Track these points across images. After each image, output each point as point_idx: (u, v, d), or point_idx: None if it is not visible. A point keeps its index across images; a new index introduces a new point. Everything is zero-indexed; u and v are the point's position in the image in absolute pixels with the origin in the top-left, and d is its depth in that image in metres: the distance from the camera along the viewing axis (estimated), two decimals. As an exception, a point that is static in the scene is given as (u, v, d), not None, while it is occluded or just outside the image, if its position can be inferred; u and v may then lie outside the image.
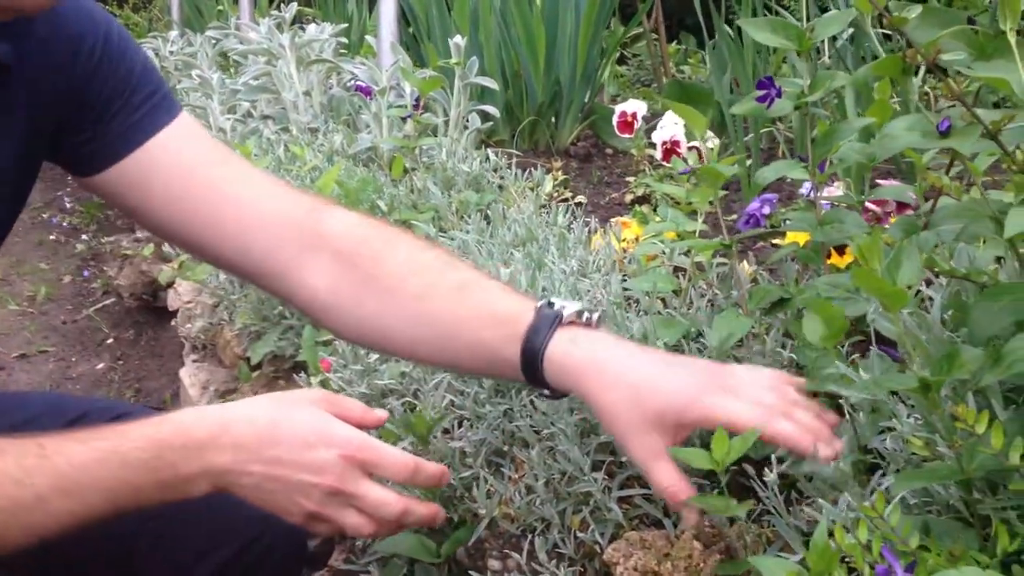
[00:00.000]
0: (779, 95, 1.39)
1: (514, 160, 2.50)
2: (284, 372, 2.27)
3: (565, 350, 1.11)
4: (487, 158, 2.44)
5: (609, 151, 3.34)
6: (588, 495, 1.35)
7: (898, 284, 0.92)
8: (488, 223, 2.06)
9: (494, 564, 1.48)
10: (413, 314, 1.19)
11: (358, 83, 2.99)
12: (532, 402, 1.47)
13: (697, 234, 1.57)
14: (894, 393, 1.10)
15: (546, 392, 1.15)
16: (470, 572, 1.42)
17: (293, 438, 1.04)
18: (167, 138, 1.23)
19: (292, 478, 1.05)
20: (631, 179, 2.77)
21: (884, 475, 1.09)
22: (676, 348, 1.44)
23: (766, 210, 1.80)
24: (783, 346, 1.35)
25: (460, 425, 1.56)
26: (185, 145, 1.24)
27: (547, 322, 1.12)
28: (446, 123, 2.72)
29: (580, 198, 2.69)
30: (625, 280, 1.60)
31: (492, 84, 2.72)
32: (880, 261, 0.93)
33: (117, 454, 0.98)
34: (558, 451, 1.40)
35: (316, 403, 1.09)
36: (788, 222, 1.67)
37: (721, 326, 1.36)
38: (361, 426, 1.12)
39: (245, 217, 1.22)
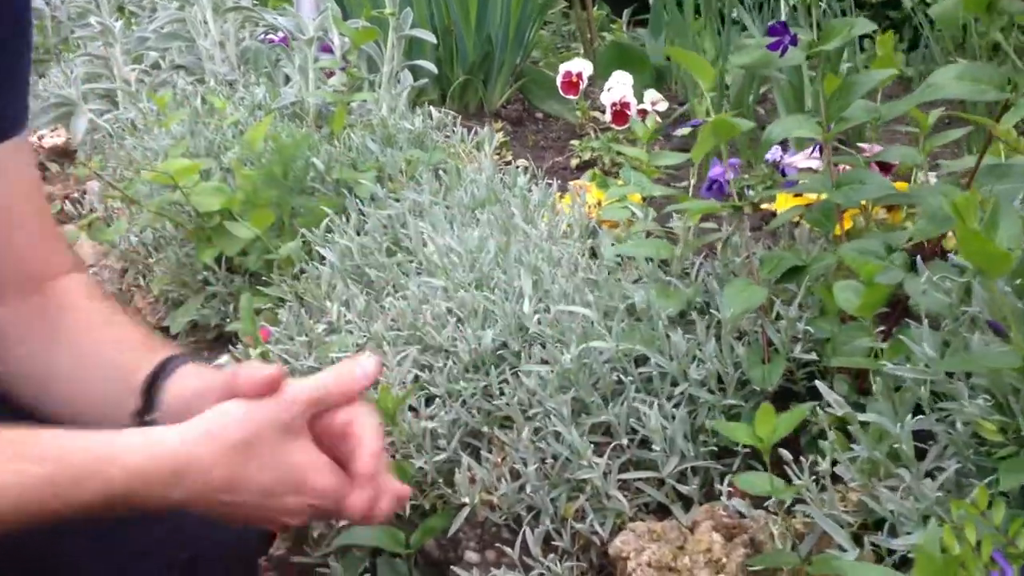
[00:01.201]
0: (794, 43, 1.27)
1: (458, 119, 2.33)
2: (208, 343, 2.07)
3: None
4: (430, 115, 2.27)
5: (540, 115, 3.21)
6: (584, 481, 1.22)
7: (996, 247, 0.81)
8: (440, 184, 1.89)
9: (471, 556, 1.34)
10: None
11: (270, 36, 2.79)
12: (517, 376, 1.33)
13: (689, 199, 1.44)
14: (950, 374, 0.99)
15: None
16: (452, 568, 1.27)
17: (255, 489, 0.89)
18: None
19: (254, 515, 0.91)
20: (575, 142, 2.63)
21: (941, 458, 0.99)
22: (679, 320, 1.31)
23: (730, 175, 1.70)
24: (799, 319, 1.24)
25: (429, 403, 1.40)
26: None
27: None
28: (371, 82, 2.54)
29: (521, 161, 2.55)
30: (614, 245, 1.46)
31: (430, 36, 2.54)
32: (976, 220, 0.81)
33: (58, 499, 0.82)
34: (549, 432, 1.26)
35: (289, 431, 0.92)
36: (791, 184, 1.56)
37: (733, 296, 1.23)
38: (354, 394, 0.96)
39: None
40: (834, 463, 1.04)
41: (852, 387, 1.20)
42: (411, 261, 1.69)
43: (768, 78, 2.38)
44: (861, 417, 1.01)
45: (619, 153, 2.48)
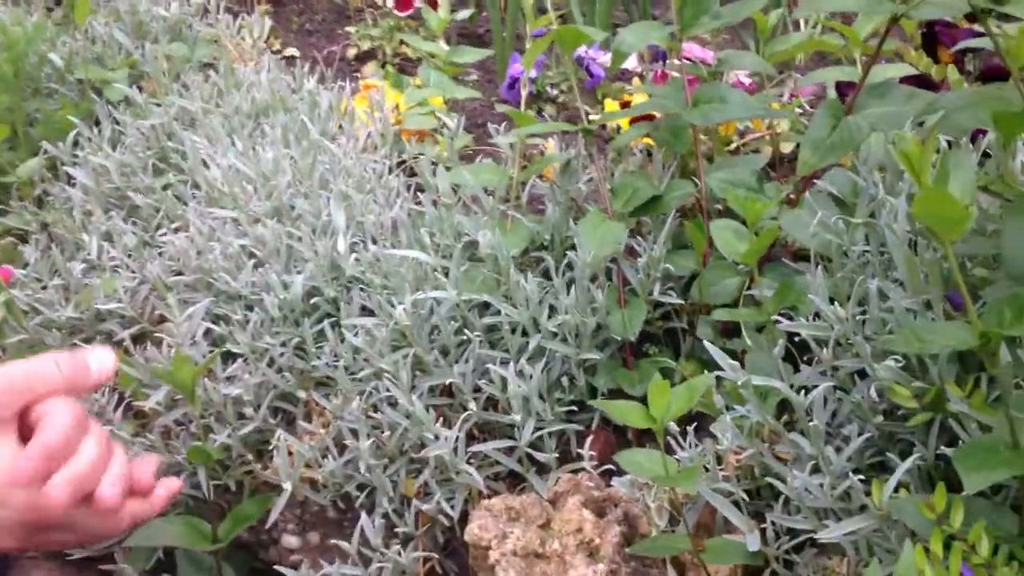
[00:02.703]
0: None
1: (222, 3, 2.01)
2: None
3: None
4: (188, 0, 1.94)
5: (301, -8, 2.89)
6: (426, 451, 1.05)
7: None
8: (213, 87, 1.61)
9: (290, 540, 1.16)
10: None
11: None
12: (337, 328, 1.13)
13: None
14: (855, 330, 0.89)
15: None
16: (277, 569, 1.08)
17: None
18: None
19: None
20: (350, 29, 2.37)
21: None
22: (524, 260, 1.15)
23: (533, 73, 1.54)
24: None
25: (230, 361, 1.18)
26: None
27: None
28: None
29: (291, 50, 2.27)
30: (436, 166, 1.26)
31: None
32: (928, 173, 0.69)
33: None
34: (381, 399, 1.08)
35: None
36: (594, 82, 1.41)
37: (590, 233, 1.08)
38: (79, 389, 0.77)
39: None
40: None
41: (715, 329, 1.09)
42: (186, 183, 1.43)
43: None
44: (756, 381, 0.89)
45: (403, 43, 2.25)
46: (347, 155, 1.38)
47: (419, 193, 1.30)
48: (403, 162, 1.52)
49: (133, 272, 1.32)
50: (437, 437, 1.03)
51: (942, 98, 0.83)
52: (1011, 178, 0.83)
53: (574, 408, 1.09)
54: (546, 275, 1.14)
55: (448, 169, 1.26)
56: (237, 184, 1.31)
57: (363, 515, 1.04)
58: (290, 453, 1.10)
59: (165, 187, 1.43)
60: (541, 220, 1.16)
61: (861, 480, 0.83)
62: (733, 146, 1.41)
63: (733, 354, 1.02)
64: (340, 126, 1.54)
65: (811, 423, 0.85)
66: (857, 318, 0.88)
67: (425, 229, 1.15)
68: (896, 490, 0.80)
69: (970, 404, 0.76)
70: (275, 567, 1.07)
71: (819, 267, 0.93)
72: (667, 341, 1.17)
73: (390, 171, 1.41)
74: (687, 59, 1.35)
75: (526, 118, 1.20)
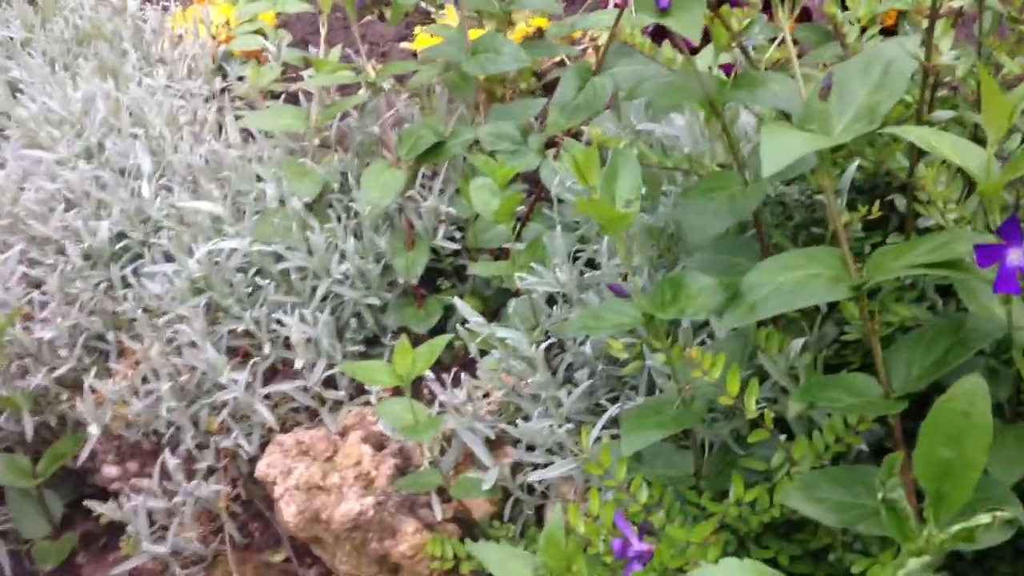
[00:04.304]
0: None
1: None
2: None
3: None
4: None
5: None
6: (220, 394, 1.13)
7: (617, 198, 0.77)
8: (37, 11, 1.61)
9: (110, 471, 1.24)
10: None
11: None
12: (137, 275, 1.19)
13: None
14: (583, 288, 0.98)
15: None
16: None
17: None
18: None
19: None
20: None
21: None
22: (319, 205, 1.21)
23: None
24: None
25: (42, 307, 1.24)
26: None
27: None
28: None
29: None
30: (240, 119, 1.30)
31: None
32: (597, 176, 0.77)
33: None
34: (183, 343, 1.16)
35: None
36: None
37: (371, 182, 1.14)
38: None
39: None
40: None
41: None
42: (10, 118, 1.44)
43: None
44: (499, 333, 0.98)
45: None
46: (164, 86, 1.41)
47: (237, 120, 1.33)
48: (227, 88, 1.55)
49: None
50: (231, 382, 1.11)
51: (646, 81, 0.89)
52: (699, 159, 0.91)
53: (363, 348, 1.18)
54: (340, 221, 1.21)
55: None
56: (57, 127, 1.34)
57: (165, 452, 1.13)
58: (99, 404, 1.17)
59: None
60: (329, 165, 1.22)
61: (580, 422, 0.93)
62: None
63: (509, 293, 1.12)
64: (164, 46, 1.55)
65: (540, 373, 0.95)
66: (586, 276, 0.97)
67: (223, 174, 1.20)
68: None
69: (659, 359, 0.85)
70: (85, 502, 1.16)
71: (559, 231, 1.00)
72: (460, 275, 1.25)
73: (207, 100, 1.44)
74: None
75: (324, 63, 1.24)
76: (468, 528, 1.04)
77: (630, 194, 0.77)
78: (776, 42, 0.86)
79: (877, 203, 0.87)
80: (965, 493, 0.61)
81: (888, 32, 1.54)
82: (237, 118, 1.30)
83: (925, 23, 0.77)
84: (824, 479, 0.75)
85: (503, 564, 0.73)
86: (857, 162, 0.88)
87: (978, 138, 0.89)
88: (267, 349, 1.16)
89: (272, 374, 1.19)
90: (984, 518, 0.58)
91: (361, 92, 1.28)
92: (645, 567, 0.73)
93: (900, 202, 0.86)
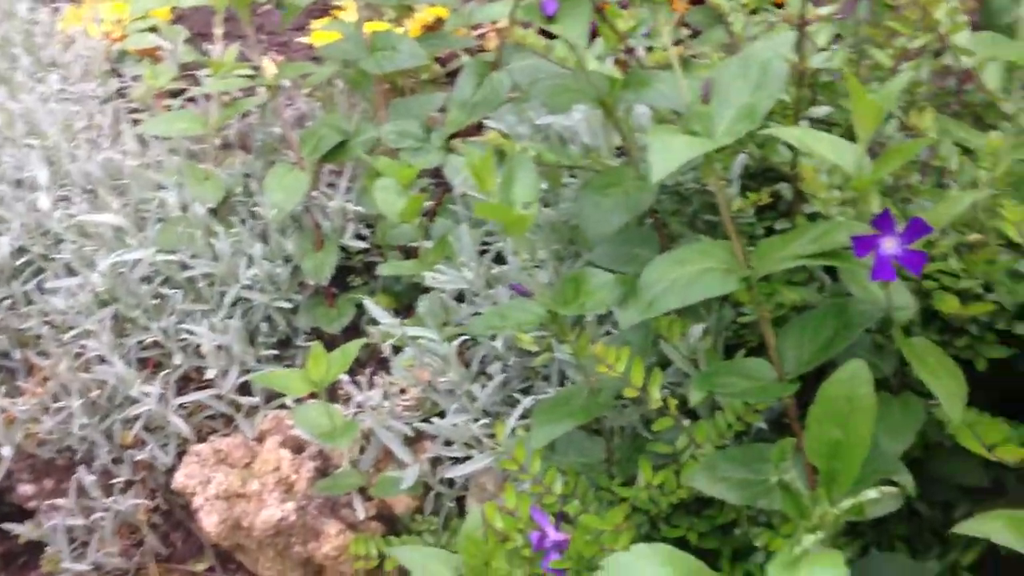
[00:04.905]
0: None
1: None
2: None
3: None
4: None
5: None
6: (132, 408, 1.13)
7: (515, 201, 0.79)
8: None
9: (25, 489, 1.23)
10: None
11: None
12: (40, 290, 1.18)
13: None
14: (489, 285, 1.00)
15: None
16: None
17: None
18: None
19: None
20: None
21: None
22: (222, 212, 1.20)
23: None
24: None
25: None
26: None
27: None
28: None
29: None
30: (137, 124, 1.29)
31: None
32: (495, 181, 0.79)
33: None
34: (92, 357, 1.15)
35: None
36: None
37: (275, 186, 1.15)
38: None
39: None
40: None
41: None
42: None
43: None
44: (411, 332, 1.00)
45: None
46: (58, 91, 1.38)
47: (136, 125, 1.31)
48: (123, 89, 1.53)
49: None
50: (143, 395, 1.11)
51: (540, 81, 0.91)
52: (596, 154, 0.93)
53: (276, 351, 1.18)
54: (246, 224, 1.21)
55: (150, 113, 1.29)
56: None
57: (80, 468, 1.13)
58: (10, 423, 1.16)
59: None
60: (231, 170, 1.21)
61: (497, 414, 0.96)
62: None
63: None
64: (57, 46, 1.52)
65: (454, 369, 0.97)
66: (494, 271, 0.99)
67: (123, 181, 1.19)
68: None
69: (567, 351, 0.88)
70: (3, 523, 1.15)
71: (466, 227, 1.02)
72: (370, 273, 1.26)
73: (103, 103, 1.42)
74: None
75: (221, 65, 1.23)
76: (391, 524, 1.06)
77: (528, 197, 0.79)
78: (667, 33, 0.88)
79: (767, 190, 0.91)
80: (854, 470, 0.65)
81: (779, 5, 1.59)
82: (136, 122, 1.28)
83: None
84: (725, 459, 0.79)
85: (423, 565, 0.75)
86: (744, 154, 0.91)
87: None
88: (178, 359, 1.15)
89: (185, 383, 1.19)
90: (871, 493, 0.62)
91: (260, 91, 1.28)
92: (562, 556, 0.76)
93: (788, 191, 0.90)
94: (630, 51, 0.88)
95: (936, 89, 1.04)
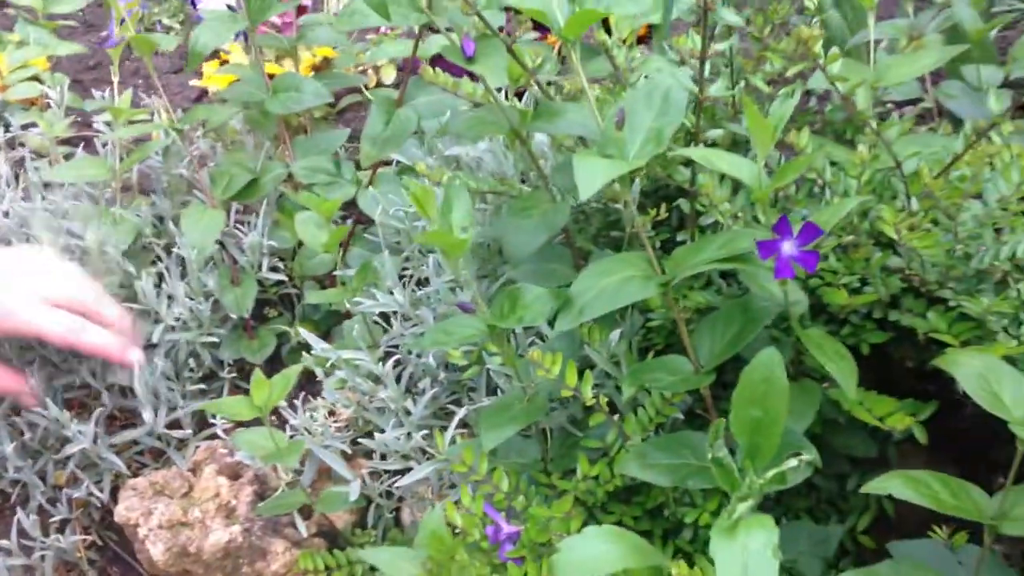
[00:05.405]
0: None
1: None
2: None
3: None
4: None
5: None
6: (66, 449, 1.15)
7: (453, 227, 0.87)
8: None
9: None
10: None
11: None
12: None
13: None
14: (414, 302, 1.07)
15: None
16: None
17: None
18: None
19: None
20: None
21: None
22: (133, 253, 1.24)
23: (138, 8, 1.59)
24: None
25: None
26: None
27: None
28: None
29: None
30: (38, 170, 1.31)
31: None
32: (434, 209, 0.86)
33: None
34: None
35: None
36: (200, 18, 1.47)
37: (191, 227, 1.19)
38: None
39: None
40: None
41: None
42: None
43: None
44: (345, 355, 1.06)
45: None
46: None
47: (37, 171, 1.33)
48: (13, 139, 1.53)
49: None
50: (76, 436, 1.13)
51: (454, 117, 0.99)
52: (511, 181, 1.03)
53: (203, 386, 1.22)
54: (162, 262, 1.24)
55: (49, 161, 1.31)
56: None
57: (18, 510, 1.14)
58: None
59: None
60: (142, 211, 1.25)
61: (430, 427, 1.03)
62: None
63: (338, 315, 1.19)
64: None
65: (391, 387, 1.04)
66: (418, 294, 1.07)
67: (29, 235, 1.21)
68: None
69: (496, 362, 0.96)
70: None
71: (387, 254, 1.09)
72: (287, 304, 1.31)
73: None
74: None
75: (120, 111, 1.27)
76: (333, 539, 1.12)
77: (464, 221, 0.87)
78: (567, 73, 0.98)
79: (664, 205, 1.02)
80: (773, 444, 0.75)
81: (642, 40, 1.72)
82: (38, 169, 1.30)
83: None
84: (653, 447, 0.88)
85: (394, 564, 0.82)
86: (644, 174, 1.02)
87: (737, 143, 1.06)
88: (105, 399, 1.18)
89: (110, 421, 1.21)
90: (792, 462, 0.72)
91: (160, 136, 1.32)
92: (516, 545, 0.84)
93: (685, 206, 1.01)
94: (538, 84, 0.97)
95: (801, 109, 1.18)
